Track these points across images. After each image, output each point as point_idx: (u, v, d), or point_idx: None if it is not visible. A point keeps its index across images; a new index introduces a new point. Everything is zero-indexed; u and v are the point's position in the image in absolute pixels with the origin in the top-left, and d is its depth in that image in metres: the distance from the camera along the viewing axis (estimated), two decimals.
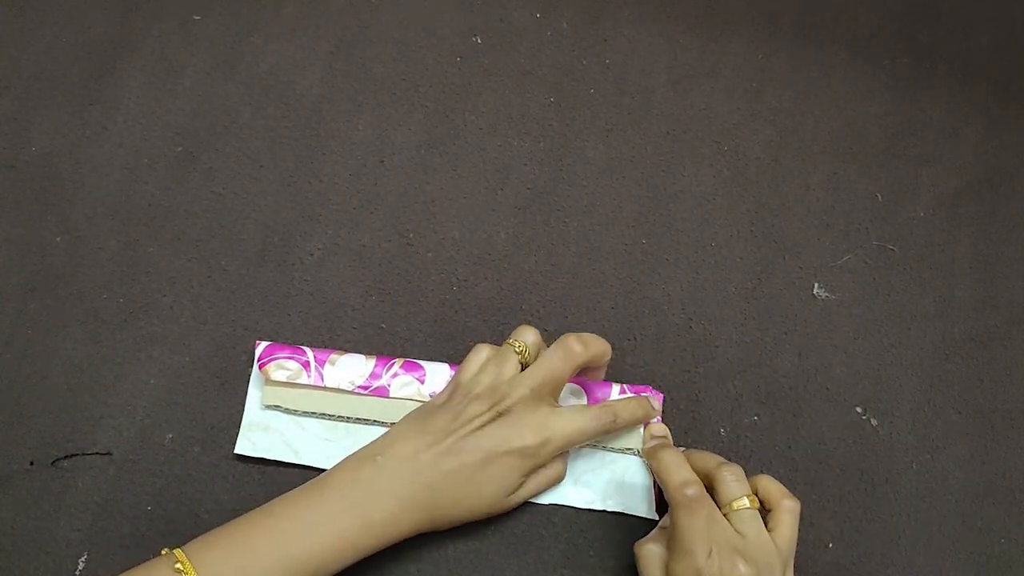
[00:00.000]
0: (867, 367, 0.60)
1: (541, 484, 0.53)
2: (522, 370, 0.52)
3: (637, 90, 0.67)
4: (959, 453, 0.58)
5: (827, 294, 0.62)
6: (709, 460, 0.51)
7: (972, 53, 0.70)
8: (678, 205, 0.63)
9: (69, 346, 0.57)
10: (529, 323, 0.58)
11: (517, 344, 0.53)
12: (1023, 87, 0.69)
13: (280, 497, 0.49)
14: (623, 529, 0.54)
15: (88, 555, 0.52)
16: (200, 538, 0.47)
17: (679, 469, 0.49)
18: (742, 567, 0.46)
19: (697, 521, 0.47)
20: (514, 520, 0.54)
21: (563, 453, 0.54)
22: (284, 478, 0.54)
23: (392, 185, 0.63)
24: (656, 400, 0.55)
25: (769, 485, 0.50)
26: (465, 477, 0.49)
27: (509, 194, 0.63)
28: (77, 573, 0.51)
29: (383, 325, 0.58)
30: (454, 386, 0.52)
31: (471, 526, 0.53)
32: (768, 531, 0.48)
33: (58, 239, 0.59)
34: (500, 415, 0.50)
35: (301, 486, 0.49)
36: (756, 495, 0.50)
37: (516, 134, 0.65)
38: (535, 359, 0.52)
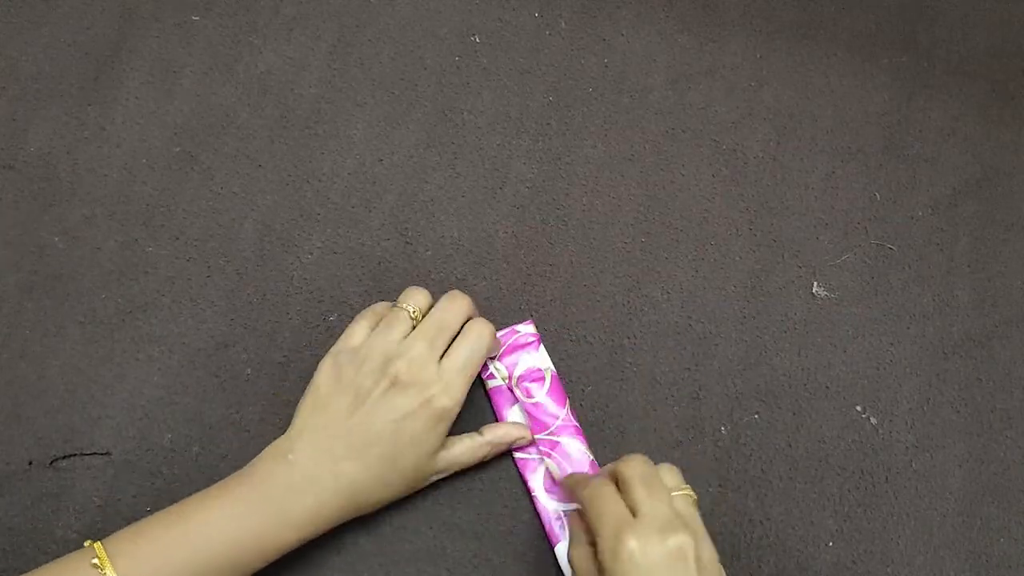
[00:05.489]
0: (866, 366, 0.60)
1: (469, 446, 0.53)
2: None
3: (636, 89, 0.67)
4: (958, 452, 0.58)
5: (826, 293, 0.62)
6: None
7: (971, 52, 0.70)
8: (677, 204, 0.63)
9: (68, 346, 0.57)
10: (528, 321, 0.58)
11: (408, 306, 0.52)
12: (1021, 86, 0.69)
13: (201, 492, 0.48)
14: None
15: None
16: (121, 531, 0.46)
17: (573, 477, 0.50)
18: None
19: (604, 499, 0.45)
20: (514, 520, 0.54)
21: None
22: None
23: (391, 184, 0.63)
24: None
25: (629, 468, 0.48)
26: (380, 454, 0.49)
27: (508, 193, 0.63)
28: None
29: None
30: (337, 361, 0.51)
31: (471, 527, 0.53)
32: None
33: (56, 239, 0.59)
34: (399, 379, 0.49)
35: (221, 481, 0.48)
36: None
37: (515, 133, 0.65)
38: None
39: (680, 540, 0.42)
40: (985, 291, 0.63)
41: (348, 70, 0.66)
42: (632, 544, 0.42)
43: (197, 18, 0.67)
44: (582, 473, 0.53)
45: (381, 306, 0.54)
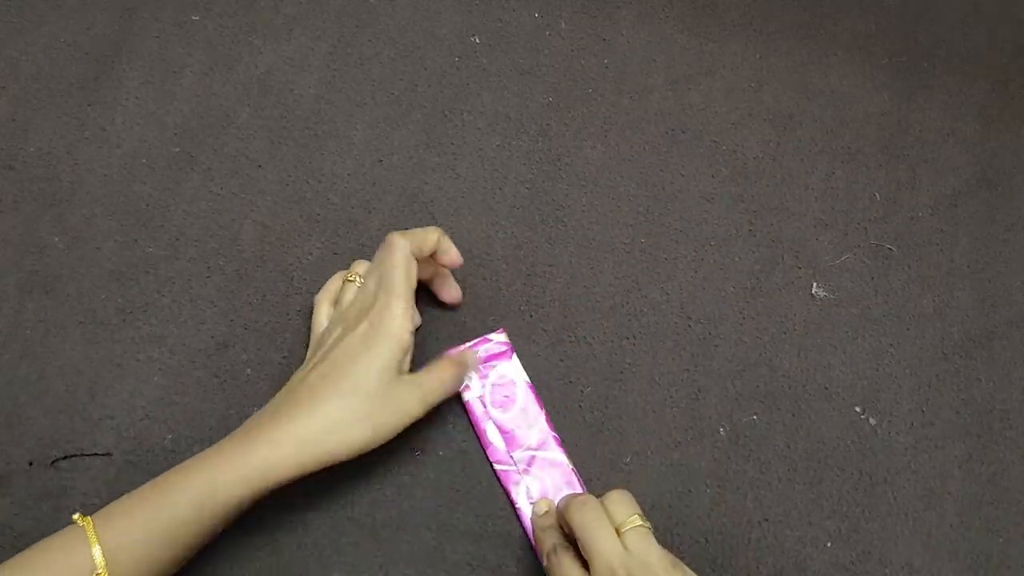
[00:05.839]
0: (866, 367, 0.60)
1: (439, 377, 0.53)
2: None
3: (635, 90, 0.67)
4: (957, 453, 0.58)
5: (826, 294, 0.62)
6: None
7: (970, 53, 0.70)
8: (676, 205, 0.63)
9: (68, 346, 0.57)
10: (528, 322, 0.58)
11: (351, 275, 0.55)
12: (1021, 87, 0.69)
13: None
14: None
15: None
16: (110, 505, 0.46)
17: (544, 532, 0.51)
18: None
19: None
20: (514, 520, 0.54)
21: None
22: None
23: (391, 185, 0.63)
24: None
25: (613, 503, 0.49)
26: (335, 379, 0.49)
27: (508, 194, 0.63)
28: None
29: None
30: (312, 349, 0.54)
31: (470, 528, 0.53)
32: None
33: (56, 239, 0.59)
34: (348, 326, 0.51)
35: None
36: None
37: (515, 134, 0.65)
38: None
39: None
40: (985, 292, 0.63)
41: (348, 70, 0.66)
42: None
43: (197, 18, 0.67)
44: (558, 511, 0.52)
45: (334, 284, 0.57)
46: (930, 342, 0.61)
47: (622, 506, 0.48)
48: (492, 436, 0.55)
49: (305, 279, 0.59)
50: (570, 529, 0.48)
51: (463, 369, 0.55)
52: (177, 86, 0.64)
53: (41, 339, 0.57)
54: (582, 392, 0.58)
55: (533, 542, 0.53)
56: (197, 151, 0.63)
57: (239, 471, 0.46)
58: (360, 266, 0.56)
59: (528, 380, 0.57)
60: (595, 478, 0.56)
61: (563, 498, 0.51)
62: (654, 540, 0.47)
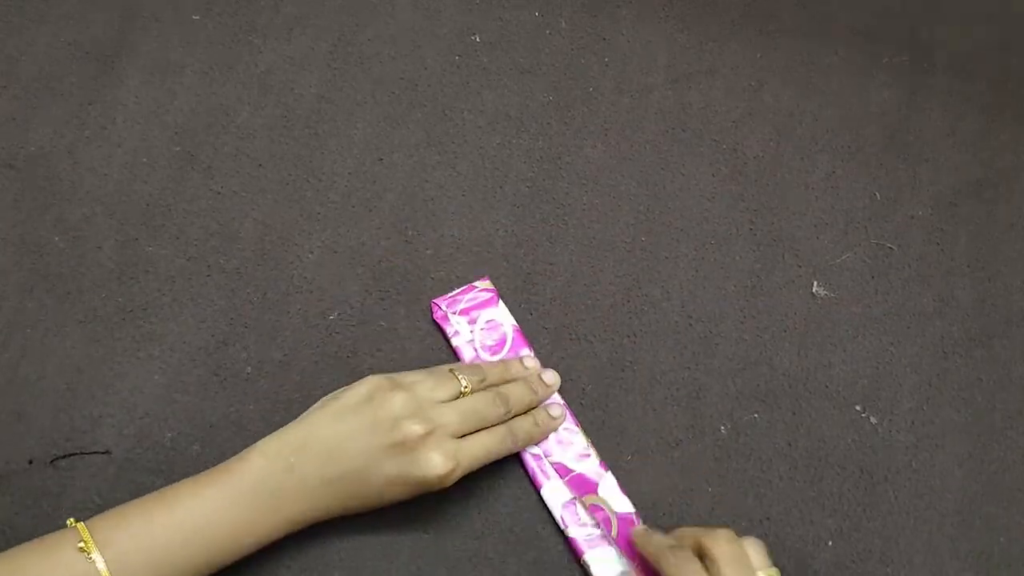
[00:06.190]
0: (866, 365, 0.60)
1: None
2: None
3: (636, 88, 0.67)
4: (958, 451, 0.58)
5: (826, 292, 0.62)
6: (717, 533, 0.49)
7: (971, 52, 0.70)
8: (677, 204, 0.63)
9: (68, 345, 0.57)
10: (529, 320, 0.58)
11: (463, 379, 0.53)
12: (1022, 86, 0.69)
13: (191, 479, 0.48)
14: None
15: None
16: (106, 513, 0.46)
17: (661, 540, 0.50)
18: None
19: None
20: (514, 520, 0.54)
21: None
22: None
23: (391, 184, 0.63)
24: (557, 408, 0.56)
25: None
26: (365, 481, 0.49)
27: (508, 192, 0.63)
28: None
29: (382, 323, 0.58)
30: (380, 386, 0.51)
31: (472, 526, 0.53)
32: None
33: (57, 238, 0.59)
34: (407, 441, 0.49)
35: (212, 469, 0.48)
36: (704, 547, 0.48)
37: (515, 132, 0.65)
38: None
39: None
40: (985, 291, 0.63)
41: (348, 69, 0.66)
42: None
43: (197, 17, 0.67)
44: (654, 532, 0.51)
45: (455, 375, 0.54)
46: (931, 341, 0.61)
47: (756, 555, 0.48)
48: None
49: (306, 278, 0.59)
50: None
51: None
52: (178, 85, 0.64)
53: (41, 338, 0.57)
54: (583, 390, 0.58)
55: (531, 473, 0.54)
56: (197, 150, 0.63)
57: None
58: (478, 372, 0.54)
59: (515, 323, 0.58)
60: None
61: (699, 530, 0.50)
62: None
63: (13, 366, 0.56)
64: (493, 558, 0.53)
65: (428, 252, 0.61)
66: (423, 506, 0.54)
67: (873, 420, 0.58)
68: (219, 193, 0.61)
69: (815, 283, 0.62)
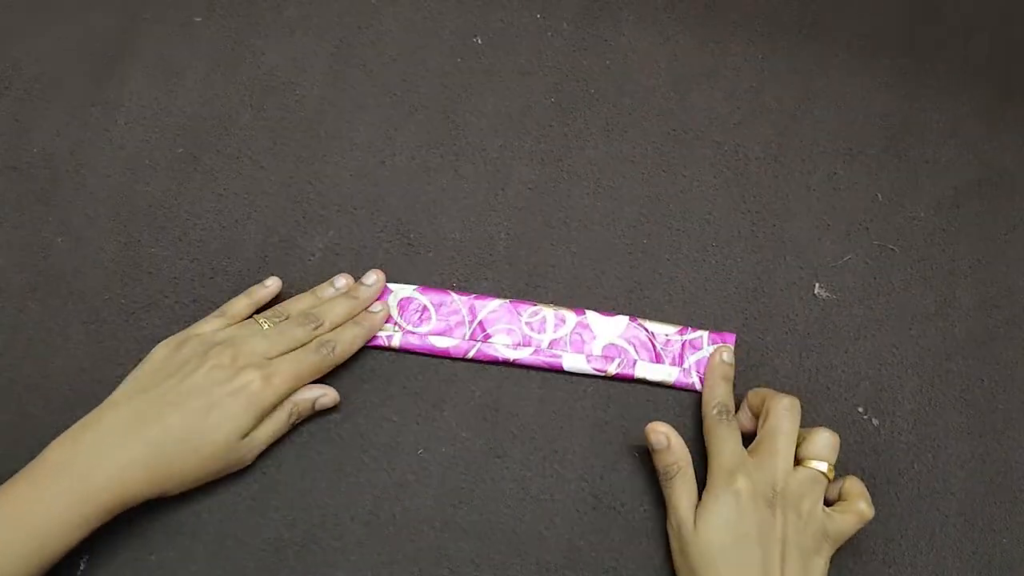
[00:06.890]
0: (868, 367, 0.60)
1: (278, 426, 0.53)
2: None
3: (637, 90, 0.67)
4: (960, 453, 0.58)
5: (828, 294, 0.62)
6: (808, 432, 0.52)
7: (972, 53, 0.70)
8: (678, 205, 0.64)
9: (71, 347, 0.57)
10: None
11: (264, 322, 0.54)
12: (1023, 87, 0.69)
13: (8, 482, 0.47)
14: (624, 530, 0.54)
15: (88, 557, 0.52)
16: None
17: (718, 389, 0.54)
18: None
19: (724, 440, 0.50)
20: (514, 520, 0.54)
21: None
22: (283, 476, 0.54)
23: (393, 186, 0.63)
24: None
25: (856, 485, 0.51)
26: (193, 409, 0.49)
27: (510, 194, 0.63)
28: (78, 574, 0.51)
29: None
30: (184, 337, 0.53)
31: (473, 527, 0.53)
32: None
33: (59, 240, 0.60)
34: (223, 362, 0.50)
35: (19, 472, 0.48)
36: (840, 488, 0.51)
37: (517, 134, 0.65)
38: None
39: (760, 517, 0.45)
40: (987, 292, 0.63)
41: (350, 71, 0.66)
42: (741, 483, 0.47)
43: (199, 19, 0.67)
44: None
45: (237, 310, 0.55)
46: (932, 342, 0.61)
47: (822, 447, 0.50)
48: (443, 342, 0.57)
49: (308, 279, 0.59)
50: (756, 412, 0.52)
51: (302, 414, 0.54)
52: (180, 87, 0.65)
53: (44, 339, 0.57)
54: (584, 392, 0.58)
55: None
56: (200, 152, 0.63)
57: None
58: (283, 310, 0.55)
59: (416, 285, 0.59)
60: (596, 477, 0.56)
61: (770, 392, 0.53)
62: (822, 496, 0.49)
63: (16, 367, 0.56)
64: (493, 558, 0.53)
65: (430, 254, 0.61)
66: (427, 505, 0.54)
67: (875, 421, 0.58)
68: (221, 195, 0.61)
69: (817, 284, 0.62)
